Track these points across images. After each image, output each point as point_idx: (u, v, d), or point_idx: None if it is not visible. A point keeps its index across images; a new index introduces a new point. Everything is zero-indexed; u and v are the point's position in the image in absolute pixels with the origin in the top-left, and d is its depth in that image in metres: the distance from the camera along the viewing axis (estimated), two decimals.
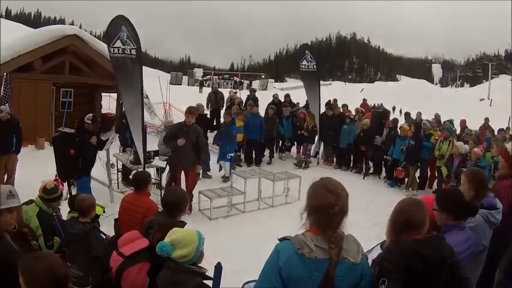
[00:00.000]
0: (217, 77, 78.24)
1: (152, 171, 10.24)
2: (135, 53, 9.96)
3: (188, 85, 69.77)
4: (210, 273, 3.64)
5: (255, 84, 68.82)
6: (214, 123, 17.53)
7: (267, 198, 11.65)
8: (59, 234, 5.51)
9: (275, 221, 10.32)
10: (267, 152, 16.53)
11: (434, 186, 14.15)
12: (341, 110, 17.43)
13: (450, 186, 6.36)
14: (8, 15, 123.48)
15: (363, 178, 15.02)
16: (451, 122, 18.64)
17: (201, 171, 12.30)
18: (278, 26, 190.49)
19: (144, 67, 11.03)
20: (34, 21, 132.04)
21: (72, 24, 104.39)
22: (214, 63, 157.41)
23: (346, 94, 42.02)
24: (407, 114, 20.60)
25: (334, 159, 16.70)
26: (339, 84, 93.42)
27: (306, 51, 17.11)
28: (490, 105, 54.11)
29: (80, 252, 5.09)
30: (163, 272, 3.46)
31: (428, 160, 13.81)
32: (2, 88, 13.39)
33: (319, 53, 36.24)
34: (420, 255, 2.88)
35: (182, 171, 10.36)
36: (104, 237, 5.55)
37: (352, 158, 16.21)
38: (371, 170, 15.49)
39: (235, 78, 79.77)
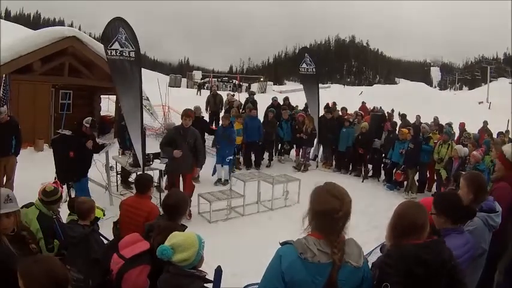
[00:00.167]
0: (216, 79, 78.09)
1: (152, 173, 10.23)
2: (134, 55, 9.92)
3: (187, 87, 69.68)
4: (210, 276, 3.64)
5: (254, 87, 68.81)
6: (214, 126, 17.50)
7: (266, 201, 11.66)
8: (58, 237, 5.51)
9: (274, 224, 10.35)
10: (266, 155, 16.53)
11: (434, 189, 14.17)
12: (340, 113, 17.47)
13: (448, 190, 6.37)
14: (8, 16, 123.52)
15: (362, 181, 15.03)
16: (450, 125, 18.67)
17: (199, 174, 12.30)
18: (277, 29, 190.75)
19: (143, 69, 11.02)
20: (33, 22, 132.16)
21: (72, 25, 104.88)
22: (213, 65, 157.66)
23: (345, 97, 42.03)
24: (403, 116, 20.62)
25: (333, 163, 16.71)
26: (337, 87, 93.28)
27: (306, 55, 17.13)
28: (489, 108, 54.00)
29: (79, 255, 5.08)
30: (163, 275, 3.46)
31: (428, 163, 13.83)
32: (1, 89, 13.38)
33: (318, 56, 36.20)
34: (421, 260, 2.87)
35: (180, 175, 10.31)
36: (104, 240, 5.56)
37: (351, 161, 16.18)
38: (370, 173, 15.50)
39: (234, 81, 79.69)
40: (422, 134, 14.17)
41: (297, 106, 20.79)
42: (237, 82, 75.74)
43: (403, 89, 65.15)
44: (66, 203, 6.73)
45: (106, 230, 6.24)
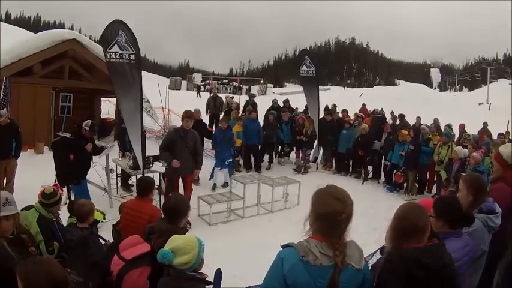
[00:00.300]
0: (216, 82, 78.13)
1: (152, 176, 10.22)
2: (134, 58, 9.92)
3: (187, 90, 69.67)
4: (210, 278, 3.65)
5: (254, 89, 68.76)
6: (213, 129, 17.50)
7: (266, 203, 11.66)
8: (58, 239, 5.51)
9: (274, 226, 10.36)
10: (266, 157, 16.53)
11: (434, 191, 14.16)
12: (340, 115, 17.46)
13: (448, 193, 6.36)
14: (8, 19, 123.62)
15: (362, 183, 15.03)
16: (449, 126, 18.64)
17: (199, 177, 12.30)
18: (277, 31, 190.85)
19: (143, 72, 11.02)
20: (34, 25, 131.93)
21: (72, 28, 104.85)
22: (213, 68, 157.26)
23: (345, 99, 41.97)
24: (402, 116, 20.62)
25: (333, 165, 16.70)
26: (337, 89, 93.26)
27: (306, 57, 17.14)
28: (489, 109, 54.00)
29: (78, 258, 5.09)
30: (163, 278, 3.47)
31: (428, 165, 13.82)
32: (1, 92, 13.40)
33: (318, 58, 36.18)
34: (421, 263, 2.86)
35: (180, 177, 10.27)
36: (104, 242, 5.56)
37: (351, 163, 16.19)
38: (370, 175, 15.49)
39: (234, 83, 79.72)
40: (422, 135, 14.18)
41: (296, 108, 20.79)
42: (237, 84, 75.75)
43: (403, 90, 64.95)
44: (66, 205, 6.73)
45: (106, 233, 6.25)
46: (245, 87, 73.75)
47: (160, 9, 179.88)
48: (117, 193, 11.74)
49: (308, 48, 62.15)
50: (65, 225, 5.86)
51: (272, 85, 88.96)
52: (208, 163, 12.88)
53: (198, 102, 26.62)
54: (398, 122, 18.95)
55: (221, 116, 18.09)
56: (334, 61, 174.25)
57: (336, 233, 2.78)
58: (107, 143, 12.08)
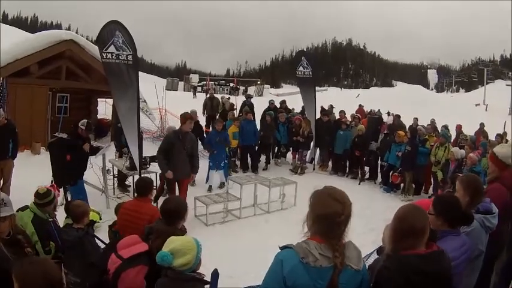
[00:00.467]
0: (213, 82, 78.14)
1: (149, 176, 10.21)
2: (131, 59, 9.89)
3: (184, 91, 69.71)
4: (207, 279, 3.65)
5: (251, 90, 68.76)
6: (211, 129, 17.50)
7: (262, 204, 11.65)
8: (54, 239, 5.51)
9: (271, 227, 10.36)
10: (262, 158, 16.53)
11: (430, 191, 14.18)
12: (338, 116, 17.50)
13: (448, 192, 6.36)
14: (5, 19, 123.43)
15: (359, 184, 15.03)
16: (446, 127, 18.67)
17: (195, 179, 12.30)
18: (274, 32, 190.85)
19: (140, 72, 10.99)
20: (31, 25, 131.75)
21: (69, 28, 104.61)
22: (210, 69, 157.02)
23: (342, 100, 41.99)
24: (397, 116, 20.66)
25: (330, 165, 16.71)
26: (334, 90, 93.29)
27: (302, 58, 17.13)
28: (486, 110, 54.12)
29: (75, 258, 5.09)
30: (161, 280, 3.45)
31: (424, 166, 13.83)
32: None
33: (315, 59, 36.16)
34: (420, 272, 2.85)
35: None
36: (101, 243, 5.56)
37: (347, 163, 16.20)
38: (367, 176, 15.50)
39: (231, 84, 79.77)
40: (419, 136, 14.19)
41: (293, 109, 20.80)
42: (234, 85, 75.75)
43: (400, 91, 65.17)
44: (63, 206, 6.73)
45: (103, 234, 6.25)
46: (242, 88, 73.79)
47: (157, 10, 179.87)
48: (114, 194, 11.75)
49: (305, 49, 62.20)
50: (61, 226, 5.85)
51: (269, 86, 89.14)
52: (203, 164, 12.90)
53: (194, 103, 26.65)
54: (392, 121, 19.00)
55: (217, 117, 18.06)
56: (331, 62, 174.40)
57: (336, 235, 2.79)
58: (103, 144, 12.07)
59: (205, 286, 3.54)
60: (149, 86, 23.98)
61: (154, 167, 10.94)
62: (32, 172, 11.12)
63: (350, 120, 17.43)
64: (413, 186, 13.91)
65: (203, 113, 21.14)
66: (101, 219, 8.99)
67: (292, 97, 39.47)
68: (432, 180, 14.07)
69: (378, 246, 4.19)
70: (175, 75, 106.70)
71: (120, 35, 9.81)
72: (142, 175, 9.71)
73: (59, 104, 18.06)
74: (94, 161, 10.54)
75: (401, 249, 2.99)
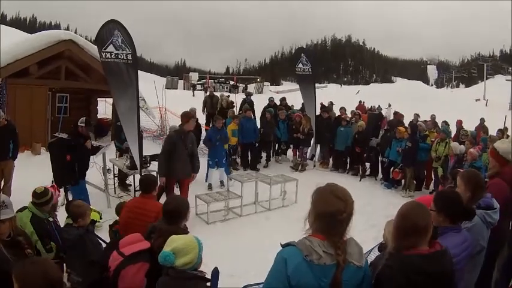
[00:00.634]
0: (212, 80, 78.06)
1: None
2: (131, 58, 9.89)
3: (184, 89, 69.71)
4: (208, 277, 3.64)
5: (251, 87, 68.83)
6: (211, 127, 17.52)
7: (263, 201, 11.64)
8: (54, 239, 5.51)
9: (272, 224, 10.35)
10: (263, 156, 16.55)
11: (431, 187, 14.18)
12: (338, 112, 17.52)
13: (449, 188, 6.35)
14: (4, 20, 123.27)
15: (360, 180, 15.01)
16: (446, 123, 18.67)
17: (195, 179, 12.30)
18: (273, 29, 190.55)
19: (139, 71, 10.99)
20: (30, 26, 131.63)
21: (68, 29, 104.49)
22: (209, 67, 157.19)
23: (342, 96, 42.02)
24: (395, 113, 20.68)
25: (331, 162, 16.71)
26: (334, 86, 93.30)
27: (302, 55, 17.10)
28: (486, 105, 54.13)
29: (77, 258, 5.09)
30: (163, 278, 3.45)
31: (425, 161, 13.82)
32: None
33: (315, 56, 36.14)
34: (423, 272, 2.84)
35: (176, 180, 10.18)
36: (102, 242, 5.56)
37: (348, 160, 16.20)
38: (367, 172, 15.48)
39: (230, 81, 79.73)
40: (419, 132, 14.17)
41: (292, 106, 20.79)
42: (233, 83, 75.72)
43: (400, 87, 65.18)
44: (64, 206, 6.72)
45: (104, 234, 6.25)
46: (242, 85, 73.78)
47: (156, 9, 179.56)
48: (115, 193, 11.73)
49: (304, 46, 62.18)
50: (62, 226, 5.84)
51: (269, 83, 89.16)
52: (202, 162, 12.89)
53: (194, 101, 26.64)
54: (392, 116, 19.03)
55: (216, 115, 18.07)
56: (330, 59, 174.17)
57: (337, 232, 2.77)
58: (104, 143, 12.06)
59: (207, 284, 3.54)
60: (149, 85, 24.00)
61: (155, 166, 10.94)
62: (32, 172, 11.10)
63: (350, 116, 17.42)
64: (414, 182, 13.90)
65: (203, 111, 21.17)
66: (101, 218, 8.97)
67: (292, 94, 39.48)
68: (433, 176, 14.06)
69: (379, 243, 4.19)
70: (175, 73, 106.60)
71: (119, 34, 9.81)
72: (142, 174, 9.71)
73: (59, 104, 18.08)
74: (94, 161, 10.52)
75: (404, 248, 2.98)
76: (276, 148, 17.41)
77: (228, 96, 24.28)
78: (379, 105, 28.77)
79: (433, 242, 3.07)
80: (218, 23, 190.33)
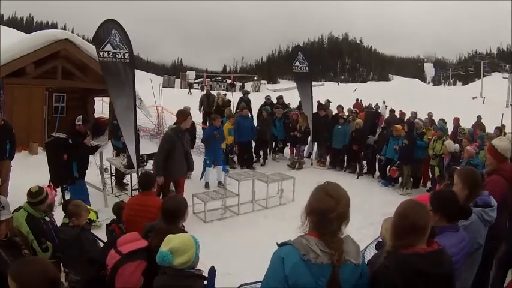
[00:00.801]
0: (209, 79, 77.98)
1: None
2: (128, 57, 9.90)
3: (181, 88, 69.59)
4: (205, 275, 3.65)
5: (248, 86, 68.73)
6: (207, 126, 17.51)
7: (261, 200, 11.66)
8: (51, 239, 5.52)
9: (269, 223, 10.36)
10: (260, 154, 16.55)
11: (429, 185, 14.21)
12: (336, 110, 17.52)
13: (444, 187, 6.36)
14: (0, 20, 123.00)
15: (357, 178, 15.05)
16: (443, 121, 18.68)
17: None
18: (270, 28, 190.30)
19: (136, 70, 10.98)
20: (26, 25, 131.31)
21: (64, 28, 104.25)
22: (206, 65, 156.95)
23: (339, 94, 42.00)
24: (391, 111, 20.70)
25: (328, 160, 16.71)
26: (331, 84, 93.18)
27: (299, 53, 17.15)
28: (483, 103, 54.12)
29: (74, 256, 5.11)
30: (160, 277, 3.46)
31: (422, 159, 13.84)
32: None
33: (311, 54, 36.14)
34: (420, 272, 2.84)
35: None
36: (99, 240, 5.56)
37: (345, 158, 16.21)
38: (365, 170, 15.51)
39: (227, 80, 79.64)
40: (416, 129, 14.18)
41: (289, 104, 20.78)
42: (230, 82, 75.63)
43: (397, 85, 65.13)
44: (61, 206, 6.71)
45: (101, 233, 6.26)
46: (239, 84, 73.67)
47: (153, 9, 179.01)
48: (112, 192, 11.73)
49: (301, 45, 62.23)
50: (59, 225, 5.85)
51: (266, 82, 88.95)
52: (199, 160, 12.87)
53: (190, 99, 26.62)
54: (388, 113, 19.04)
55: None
56: (327, 57, 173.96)
57: (327, 231, 2.76)
58: (101, 142, 12.05)
59: (205, 282, 3.54)
60: (146, 83, 23.98)
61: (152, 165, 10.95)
62: (29, 172, 11.09)
63: (347, 114, 17.42)
64: (412, 179, 13.91)
65: (200, 109, 21.17)
66: (97, 218, 8.97)
67: (289, 92, 39.44)
68: (430, 174, 14.07)
69: (375, 239, 4.19)
70: (172, 72, 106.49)
71: (117, 33, 9.82)
72: (139, 173, 9.71)
73: (56, 103, 18.02)
74: (91, 160, 10.50)
75: (402, 247, 2.97)
76: (273, 146, 17.41)
77: (225, 94, 24.27)
78: (377, 103, 28.79)
79: (431, 241, 3.07)
80: (215, 22, 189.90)
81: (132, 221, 5.72)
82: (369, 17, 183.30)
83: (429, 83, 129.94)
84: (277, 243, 2.90)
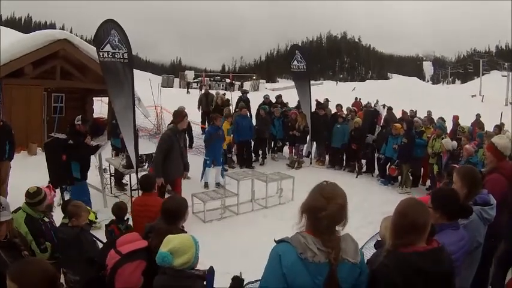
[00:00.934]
0: (208, 79, 77.90)
1: None
2: (127, 57, 9.90)
3: (180, 87, 69.52)
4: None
5: (247, 85, 68.69)
6: (206, 125, 17.51)
7: (260, 199, 11.68)
8: (50, 239, 5.52)
9: (269, 222, 10.36)
10: (259, 153, 16.54)
11: (428, 183, 14.21)
12: (335, 109, 17.52)
13: (444, 185, 6.36)
14: None
15: (356, 177, 15.05)
16: (442, 119, 18.68)
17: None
18: (269, 27, 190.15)
19: (135, 70, 10.97)
20: (25, 26, 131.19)
21: (63, 28, 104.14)
22: (205, 65, 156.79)
23: (338, 93, 41.99)
24: (389, 109, 20.70)
25: (327, 159, 16.71)
26: (330, 83, 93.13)
27: (296, 52, 17.15)
28: (482, 101, 54.08)
29: (73, 257, 5.11)
30: (160, 277, 3.45)
31: (422, 158, 13.84)
32: None
33: (310, 53, 36.18)
34: (419, 270, 2.83)
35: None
36: (98, 241, 5.56)
37: (344, 157, 16.21)
38: (364, 169, 15.51)
39: (226, 79, 79.59)
40: (415, 128, 14.18)
41: (287, 103, 20.77)
42: (229, 81, 75.58)
43: (395, 83, 65.07)
44: (60, 206, 6.71)
45: (101, 234, 6.26)
46: (237, 83, 73.62)
47: (151, 9, 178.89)
48: (111, 192, 11.74)
49: (300, 44, 62.10)
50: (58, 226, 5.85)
51: (264, 81, 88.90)
52: (198, 161, 12.86)
53: (188, 99, 26.59)
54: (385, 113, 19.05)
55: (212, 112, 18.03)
56: (326, 56, 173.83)
57: (317, 230, 2.76)
58: (101, 142, 12.05)
59: (204, 282, 3.54)
60: (145, 83, 23.96)
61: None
62: (29, 173, 11.08)
63: (346, 113, 17.42)
64: (411, 178, 13.91)
65: (198, 109, 21.16)
66: (96, 218, 8.97)
67: (288, 91, 39.42)
68: (429, 172, 14.07)
69: (373, 236, 4.18)
70: (171, 72, 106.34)
71: (116, 33, 9.82)
72: (139, 173, 9.71)
73: (54, 104, 18.02)
74: (91, 160, 10.49)
75: (401, 245, 2.97)
76: (272, 146, 17.41)
77: (224, 94, 24.26)
78: (376, 101, 28.82)
79: (430, 239, 3.07)
80: (214, 22, 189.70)
81: (136, 221, 5.83)
82: (368, 16, 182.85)
83: (428, 81, 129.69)
84: (274, 240, 2.90)
